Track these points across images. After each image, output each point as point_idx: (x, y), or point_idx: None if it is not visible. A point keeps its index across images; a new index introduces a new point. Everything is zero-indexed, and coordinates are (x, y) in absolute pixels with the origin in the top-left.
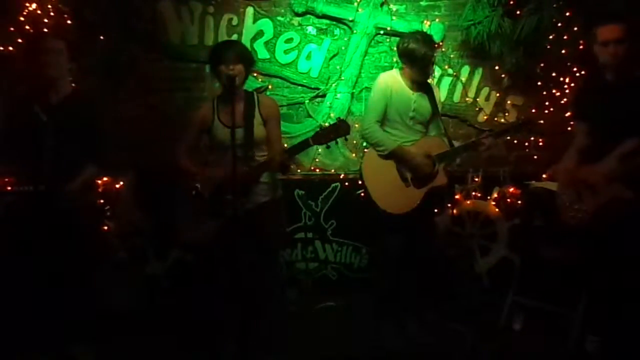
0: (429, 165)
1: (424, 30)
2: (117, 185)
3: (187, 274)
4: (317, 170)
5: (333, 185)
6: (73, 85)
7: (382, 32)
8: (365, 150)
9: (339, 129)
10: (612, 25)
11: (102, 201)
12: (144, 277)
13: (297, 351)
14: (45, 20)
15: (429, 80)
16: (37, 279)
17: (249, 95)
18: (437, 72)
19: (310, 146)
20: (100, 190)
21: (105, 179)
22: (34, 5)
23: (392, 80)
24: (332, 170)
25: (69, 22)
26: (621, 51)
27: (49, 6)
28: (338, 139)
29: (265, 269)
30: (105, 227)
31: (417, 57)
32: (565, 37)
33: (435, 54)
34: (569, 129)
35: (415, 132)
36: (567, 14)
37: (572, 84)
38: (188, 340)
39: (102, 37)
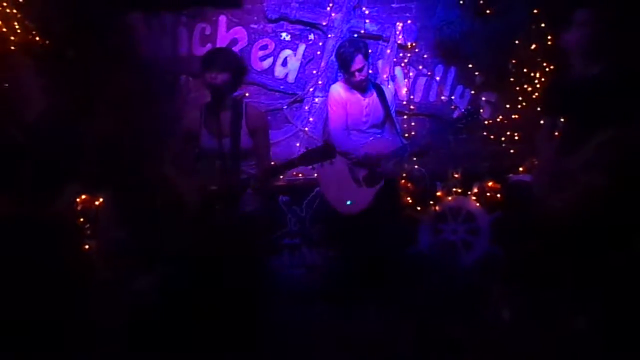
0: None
1: (357, 37)
2: (97, 203)
3: (175, 287)
4: (300, 175)
5: (316, 189)
6: (47, 102)
7: (356, 35)
8: None
9: (325, 154)
10: (586, 10)
11: (82, 220)
12: (131, 294)
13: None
14: (12, 38)
15: (388, 81)
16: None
17: (236, 105)
18: (412, 72)
19: (295, 167)
20: (79, 208)
21: (84, 196)
22: None
23: (344, 88)
24: (315, 175)
25: (37, 39)
26: (594, 36)
27: (15, 24)
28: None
29: (253, 276)
30: (87, 247)
31: (345, 63)
32: (534, 33)
33: (366, 61)
34: (542, 122)
35: (369, 135)
36: (535, 10)
37: (543, 79)
38: (177, 354)
39: (73, 53)
